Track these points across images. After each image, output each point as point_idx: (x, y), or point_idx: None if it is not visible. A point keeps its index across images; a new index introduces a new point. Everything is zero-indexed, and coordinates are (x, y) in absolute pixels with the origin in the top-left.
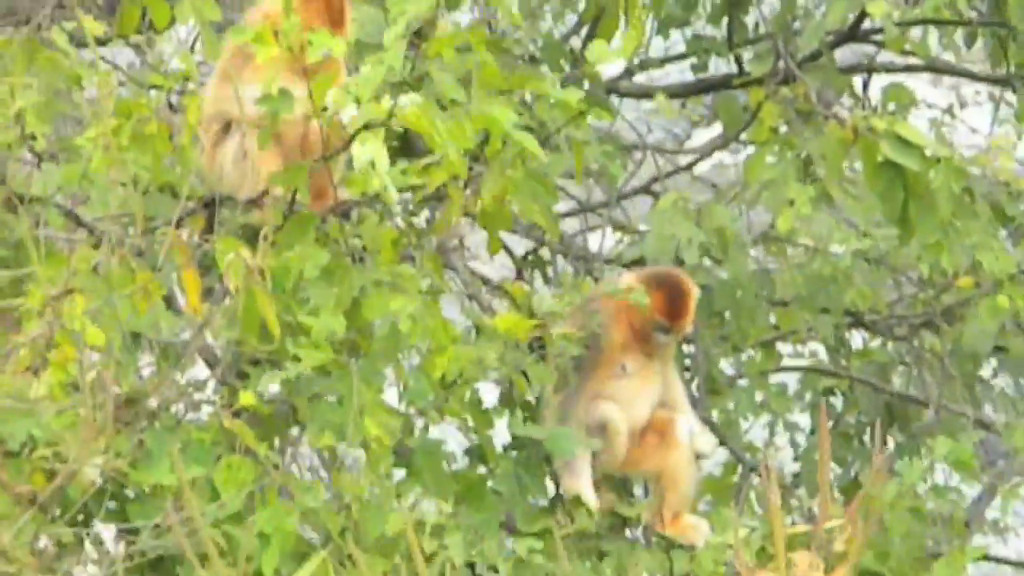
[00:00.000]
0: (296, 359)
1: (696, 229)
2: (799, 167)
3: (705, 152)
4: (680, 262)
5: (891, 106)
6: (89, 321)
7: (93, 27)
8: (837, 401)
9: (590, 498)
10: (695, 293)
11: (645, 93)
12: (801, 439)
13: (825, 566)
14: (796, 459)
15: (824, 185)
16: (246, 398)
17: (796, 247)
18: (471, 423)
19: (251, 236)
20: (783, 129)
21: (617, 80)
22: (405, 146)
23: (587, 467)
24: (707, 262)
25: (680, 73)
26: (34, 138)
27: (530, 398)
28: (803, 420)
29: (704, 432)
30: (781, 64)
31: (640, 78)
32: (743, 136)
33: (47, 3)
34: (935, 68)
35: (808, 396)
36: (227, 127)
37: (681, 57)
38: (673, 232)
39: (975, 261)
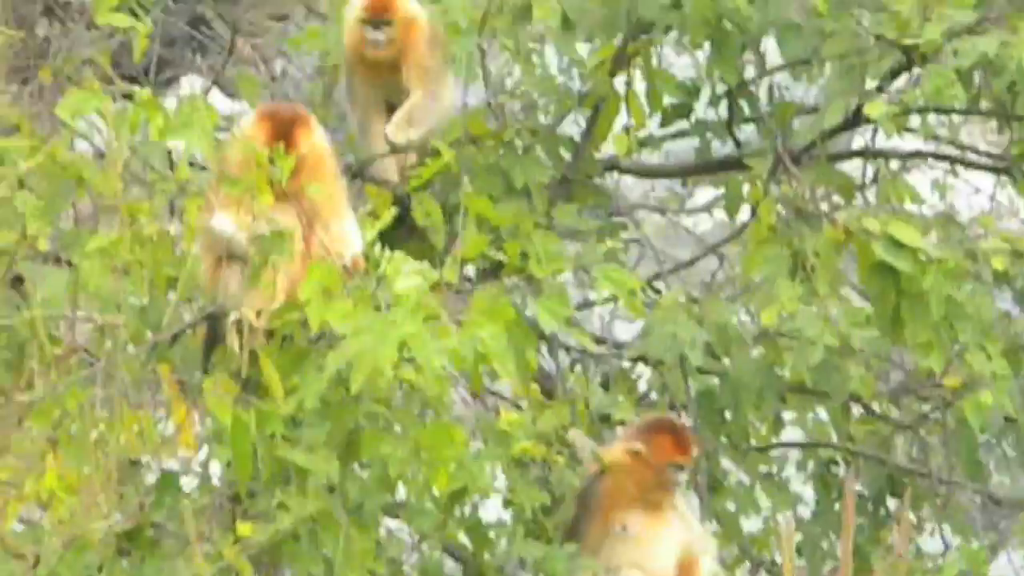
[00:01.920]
0: (283, 509)
1: (699, 329)
2: (792, 263)
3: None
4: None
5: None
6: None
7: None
8: (843, 472)
9: None
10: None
11: (646, 172)
12: (802, 510)
13: None
14: (797, 529)
15: (813, 284)
16: (244, 529)
17: (790, 340)
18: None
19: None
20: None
21: (618, 157)
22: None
23: None
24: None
25: (678, 144)
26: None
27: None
28: (806, 491)
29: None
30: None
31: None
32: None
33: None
34: (936, 155)
35: (811, 466)
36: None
37: (682, 135)
38: (675, 331)
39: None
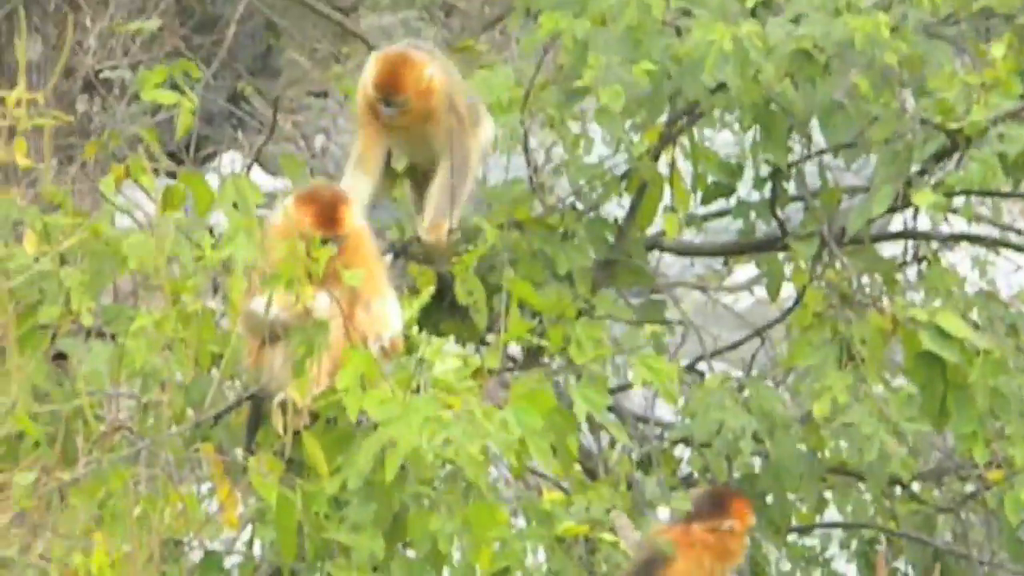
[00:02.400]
0: None
1: (748, 416)
2: (840, 351)
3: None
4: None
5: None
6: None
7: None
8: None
9: None
10: None
11: (687, 251)
12: None
13: None
14: None
15: (863, 372)
16: None
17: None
18: None
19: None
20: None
21: (659, 236)
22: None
23: None
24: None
25: (721, 222)
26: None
27: None
28: (849, 571)
29: None
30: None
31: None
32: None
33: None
34: (977, 237)
35: (854, 544)
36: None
37: (723, 213)
38: (723, 417)
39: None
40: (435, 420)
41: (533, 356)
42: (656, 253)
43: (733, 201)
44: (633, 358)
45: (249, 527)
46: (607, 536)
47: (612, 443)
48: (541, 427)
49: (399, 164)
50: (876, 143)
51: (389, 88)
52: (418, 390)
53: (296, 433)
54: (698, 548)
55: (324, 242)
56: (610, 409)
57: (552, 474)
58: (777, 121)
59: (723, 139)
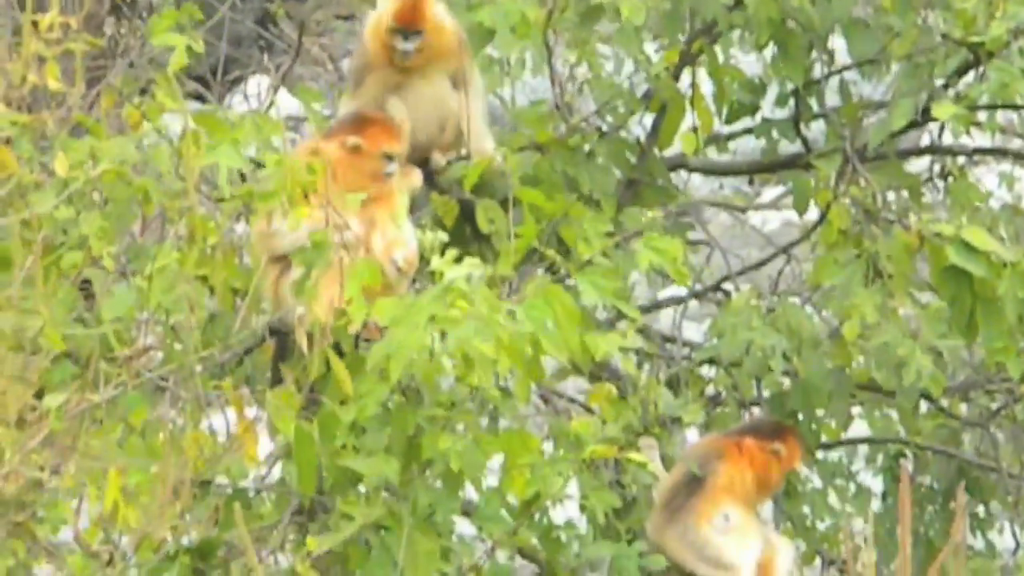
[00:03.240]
0: (348, 517)
1: (777, 335)
2: (866, 269)
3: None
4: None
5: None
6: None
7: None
8: (908, 464)
9: None
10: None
11: (712, 170)
12: (873, 503)
13: None
14: (866, 522)
15: (889, 288)
16: (312, 543)
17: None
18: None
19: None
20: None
21: (683, 156)
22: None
23: None
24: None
25: (748, 142)
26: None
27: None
28: (875, 484)
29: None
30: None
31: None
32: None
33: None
34: (1002, 151)
35: (880, 459)
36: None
37: (748, 132)
38: (752, 337)
39: None
40: (442, 318)
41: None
42: (683, 175)
43: (757, 120)
44: (636, 245)
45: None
46: (636, 456)
47: (640, 364)
48: (554, 319)
49: None
50: (898, 58)
51: (409, 19)
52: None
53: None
54: (745, 459)
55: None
56: (638, 331)
57: (563, 360)
58: (794, 38)
59: (749, 59)
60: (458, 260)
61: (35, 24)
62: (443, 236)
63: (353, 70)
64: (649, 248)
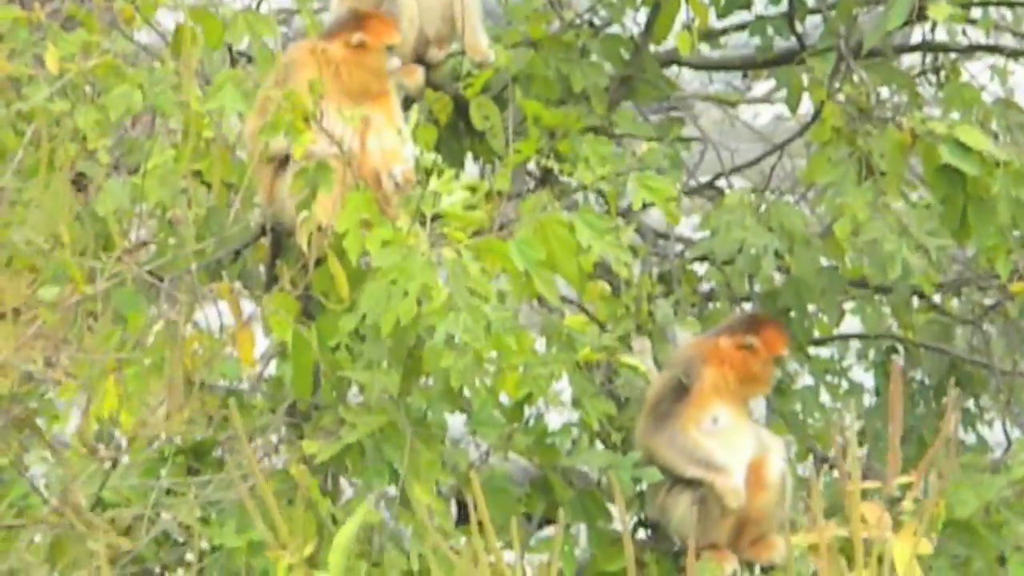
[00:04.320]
0: (350, 424)
1: (769, 235)
2: (859, 167)
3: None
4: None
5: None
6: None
7: None
8: (899, 360)
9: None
10: None
11: (706, 65)
12: (865, 399)
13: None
14: (859, 418)
15: (881, 186)
16: (309, 446)
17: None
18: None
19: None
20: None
21: (676, 51)
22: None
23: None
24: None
25: (740, 37)
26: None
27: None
28: (867, 379)
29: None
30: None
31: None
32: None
33: None
34: (995, 47)
35: (871, 354)
36: (284, 160)
37: (741, 28)
38: (744, 236)
39: None
40: (429, 311)
41: (548, 177)
42: (675, 69)
43: (751, 16)
44: (630, 181)
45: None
46: (628, 359)
47: (635, 255)
48: (545, 257)
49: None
50: None
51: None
52: (425, 223)
53: (317, 261)
54: (725, 362)
55: None
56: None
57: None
58: None
59: None
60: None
61: None
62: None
63: None
64: (642, 186)
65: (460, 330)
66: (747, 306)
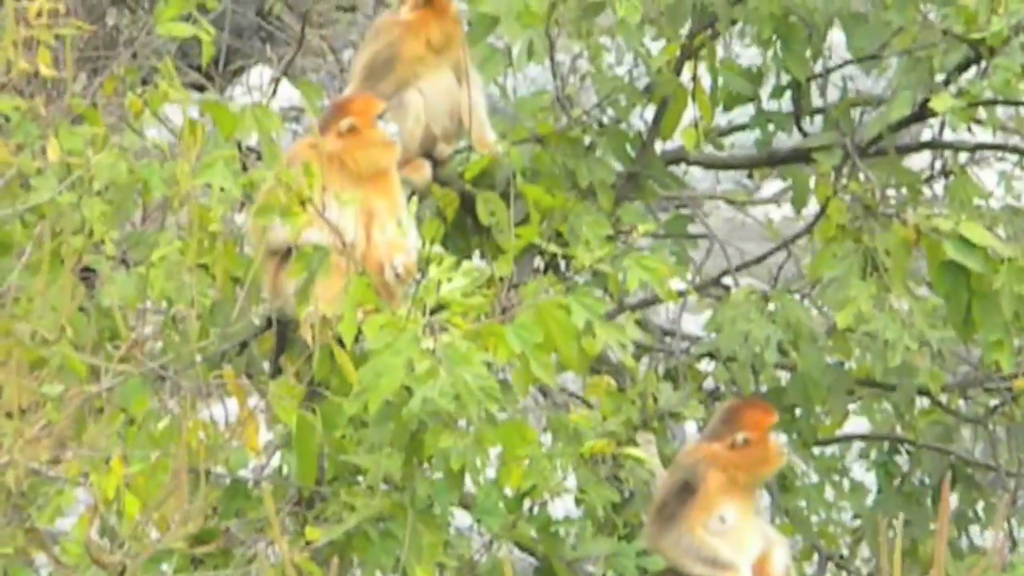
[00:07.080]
0: (351, 508)
1: (772, 327)
2: (864, 262)
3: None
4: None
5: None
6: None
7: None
8: (902, 459)
9: None
10: None
11: (712, 163)
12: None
13: None
14: (855, 517)
15: (886, 281)
16: (312, 533)
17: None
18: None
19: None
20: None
21: (683, 149)
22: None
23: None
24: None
25: (746, 135)
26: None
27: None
28: (867, 479)
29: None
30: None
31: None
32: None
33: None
34: (1003, 147)
35: (873, 454)
36: (287, 254)
37: (743, 128)
38: (749, 329)
39: None
40: (418, 359)
41: (553, 264)
42: (682, 167)
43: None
44: (626, 262)
45: (278, 455)
46: (633, 452)
47: (638, 357)
48: (543, 340)
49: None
50: (898, 53)
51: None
52: (426, 311)
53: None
54: (728, 466)
55: None
56: (637, 323)
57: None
58: (796, 32)
59: (751, 53)
60: (456, 265)
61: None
62: (441, 249)
63: (366, 64)
64: (638, 266)
65: (437, 394)
66: None
